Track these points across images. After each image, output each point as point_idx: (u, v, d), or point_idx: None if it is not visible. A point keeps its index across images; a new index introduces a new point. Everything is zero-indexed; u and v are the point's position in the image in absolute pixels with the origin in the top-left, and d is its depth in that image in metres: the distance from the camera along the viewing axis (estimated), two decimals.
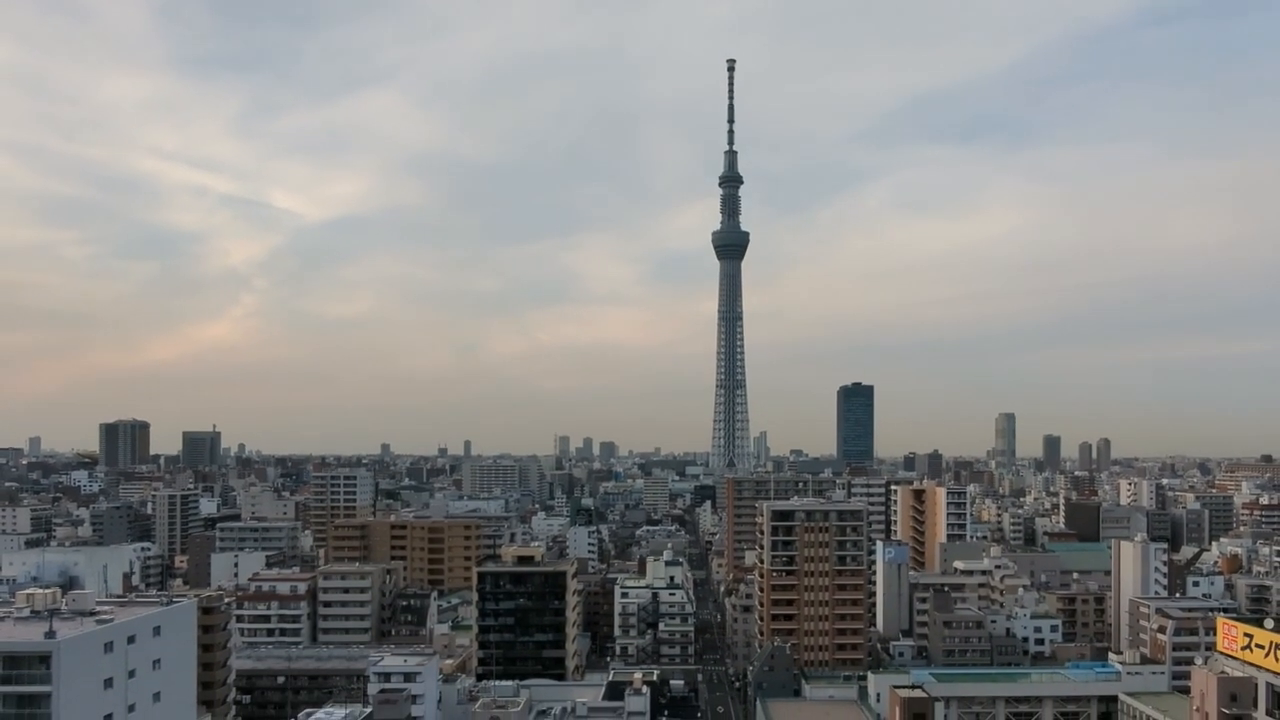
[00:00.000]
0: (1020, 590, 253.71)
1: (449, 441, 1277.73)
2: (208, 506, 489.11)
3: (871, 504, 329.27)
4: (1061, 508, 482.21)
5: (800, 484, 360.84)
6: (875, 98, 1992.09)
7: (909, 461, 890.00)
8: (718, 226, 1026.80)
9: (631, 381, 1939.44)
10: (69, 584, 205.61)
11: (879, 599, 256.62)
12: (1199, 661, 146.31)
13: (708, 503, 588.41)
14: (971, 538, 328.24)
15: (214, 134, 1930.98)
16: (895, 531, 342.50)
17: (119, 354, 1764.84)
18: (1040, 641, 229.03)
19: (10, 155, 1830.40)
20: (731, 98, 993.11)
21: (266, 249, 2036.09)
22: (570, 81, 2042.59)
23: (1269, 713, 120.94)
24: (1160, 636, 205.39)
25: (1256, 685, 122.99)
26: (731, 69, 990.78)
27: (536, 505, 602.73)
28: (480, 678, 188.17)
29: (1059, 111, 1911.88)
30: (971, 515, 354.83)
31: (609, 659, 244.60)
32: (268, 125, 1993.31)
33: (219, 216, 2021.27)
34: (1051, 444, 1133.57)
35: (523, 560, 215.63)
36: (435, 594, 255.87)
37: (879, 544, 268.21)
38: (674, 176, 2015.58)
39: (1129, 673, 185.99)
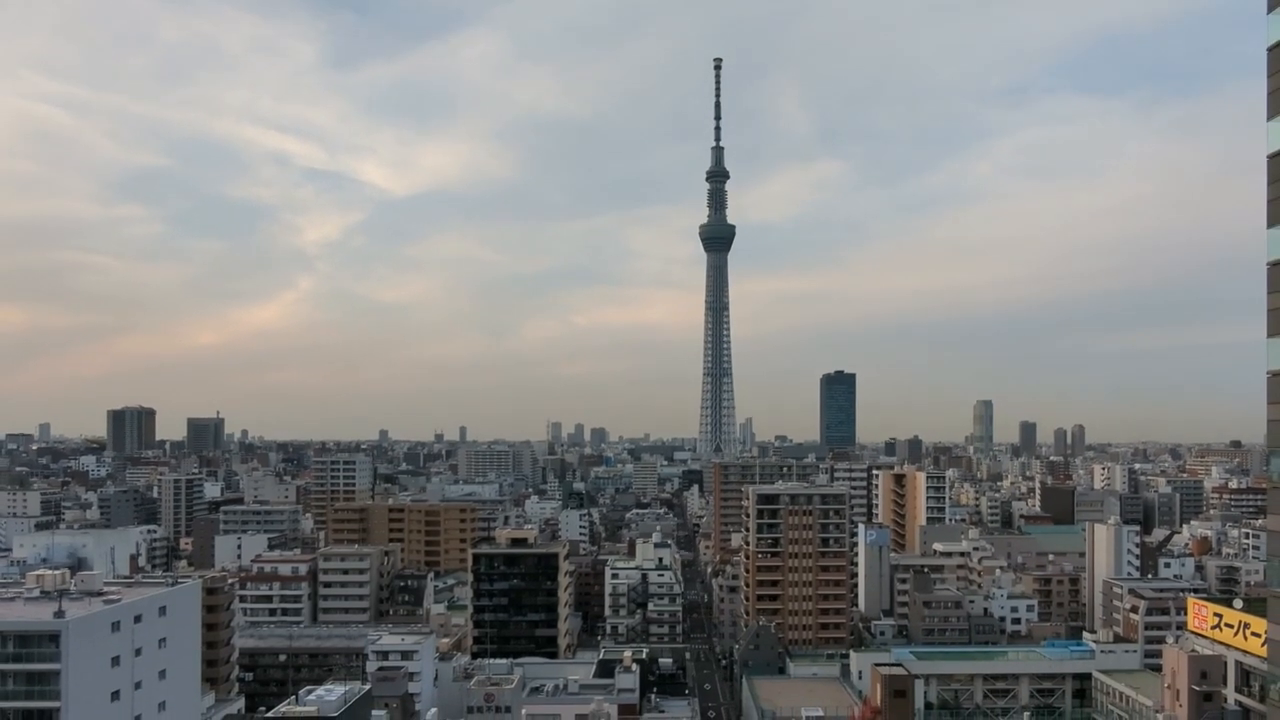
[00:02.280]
0: (997, 571, 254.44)
1: (446, 427, 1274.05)
2: (212, 490, 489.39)
3: (854, 488, 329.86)
4: (1037, 492, 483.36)
5: (785, 469, 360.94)
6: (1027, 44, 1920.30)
7: (890, 447, 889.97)
8: (704, 220, 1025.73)
9: (649, 367, 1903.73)
10: (77, 565, 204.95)
11: (861, 580, 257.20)
12: (1170, 640, 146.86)
13: (695, 487, 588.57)
14: (950, 521, 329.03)
15: (304, 88, 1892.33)
16: (877, 515, 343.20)
17: (157, 341, 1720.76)
18: (1017, 621, 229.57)
19: (92, 119, 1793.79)
20: (718, 95, 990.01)
21: (340, 228, 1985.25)
22: (690, 22, 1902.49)
23: (1238, 689, 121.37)
24: (1133, 616, 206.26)
25: (1225, 663, 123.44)
26: (718, 68, 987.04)
27: (530, 489, 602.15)
28: (475, 656, 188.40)
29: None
30: (950, 499, 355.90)
31: (600, 638, 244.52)
32: (358, 76, 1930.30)
33: (302, 190, 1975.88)
34: (1028, 430, 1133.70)
35: (516, 543, 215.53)
36: (432, 575, 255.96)
37: (861, 527, 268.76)
38: (779, 138, 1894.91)
39: (1103, 651, 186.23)
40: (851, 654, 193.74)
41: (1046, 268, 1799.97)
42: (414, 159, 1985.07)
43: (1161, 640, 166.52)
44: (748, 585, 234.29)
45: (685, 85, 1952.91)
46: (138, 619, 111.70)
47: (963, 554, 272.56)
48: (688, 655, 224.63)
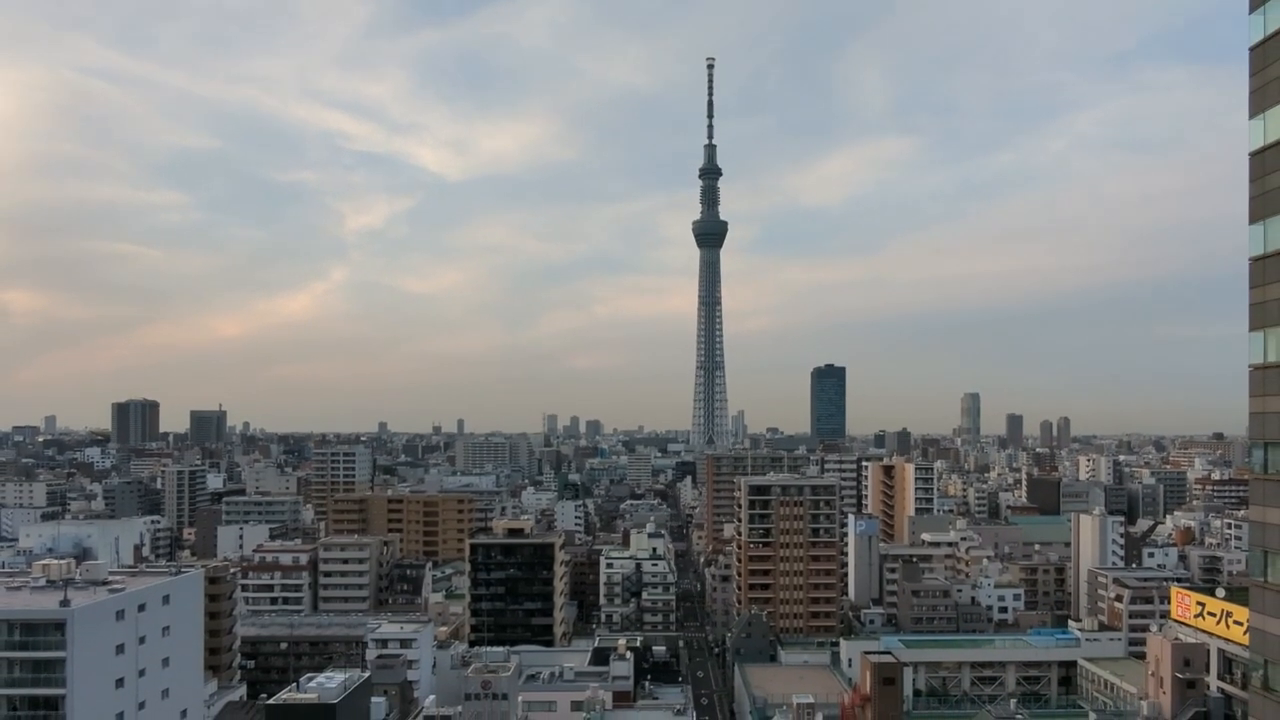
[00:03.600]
0: (984, 561, 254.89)
1: (443, 419, 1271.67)
2: (214, 482, 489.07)
3: (844, 479, 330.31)
4: (1024, 483, 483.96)
5: (776, 460, 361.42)
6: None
7: (879, 439, 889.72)
8: (699, 214, 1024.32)
9: (655, 360, 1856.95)
10: (83, 555, 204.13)
11: (850, 569, 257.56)
12: (1154, 628, 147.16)
13: (688, 478, 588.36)
14: (938, 511, 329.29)
15: (361, 56, 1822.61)
16: (866, 505, 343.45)
17: (177, 333, 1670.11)
18: (1004, 609, 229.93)
19: (139, 92, 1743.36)
20: (711, 94, 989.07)
21: (384, 216, 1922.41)
22: None
23: (1220, 677, 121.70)
24: (1117, 605, 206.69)
25: (1208, 650, 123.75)
26: (711, 67, 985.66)
27: (526, 480, 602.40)
28: (472, 644, 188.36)
29: None
30: (938, 490, 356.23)
31: (594, 626, 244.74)
32: (417, 42, 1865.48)
33: (354, 175, 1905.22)
34: (1014, 422, 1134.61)
35: (513, 533, 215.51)
36: (430, 564, 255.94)
37: (851, 517, 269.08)
38: (851, 112, 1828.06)
39: (1088, 639, 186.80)
40: (841, 642, 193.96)
41: (1035, 260, 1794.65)
42: (471, 139, 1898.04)
43: (1146, 629, 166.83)
44: (740, 575, 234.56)
45: (760, 55, 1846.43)
46: (141, 608, 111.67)
47: (950, 544, 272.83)
48: (681, 643, 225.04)
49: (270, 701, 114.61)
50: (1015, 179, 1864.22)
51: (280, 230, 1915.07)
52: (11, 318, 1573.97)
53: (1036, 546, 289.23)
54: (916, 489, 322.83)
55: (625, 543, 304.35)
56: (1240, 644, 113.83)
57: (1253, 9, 60.21)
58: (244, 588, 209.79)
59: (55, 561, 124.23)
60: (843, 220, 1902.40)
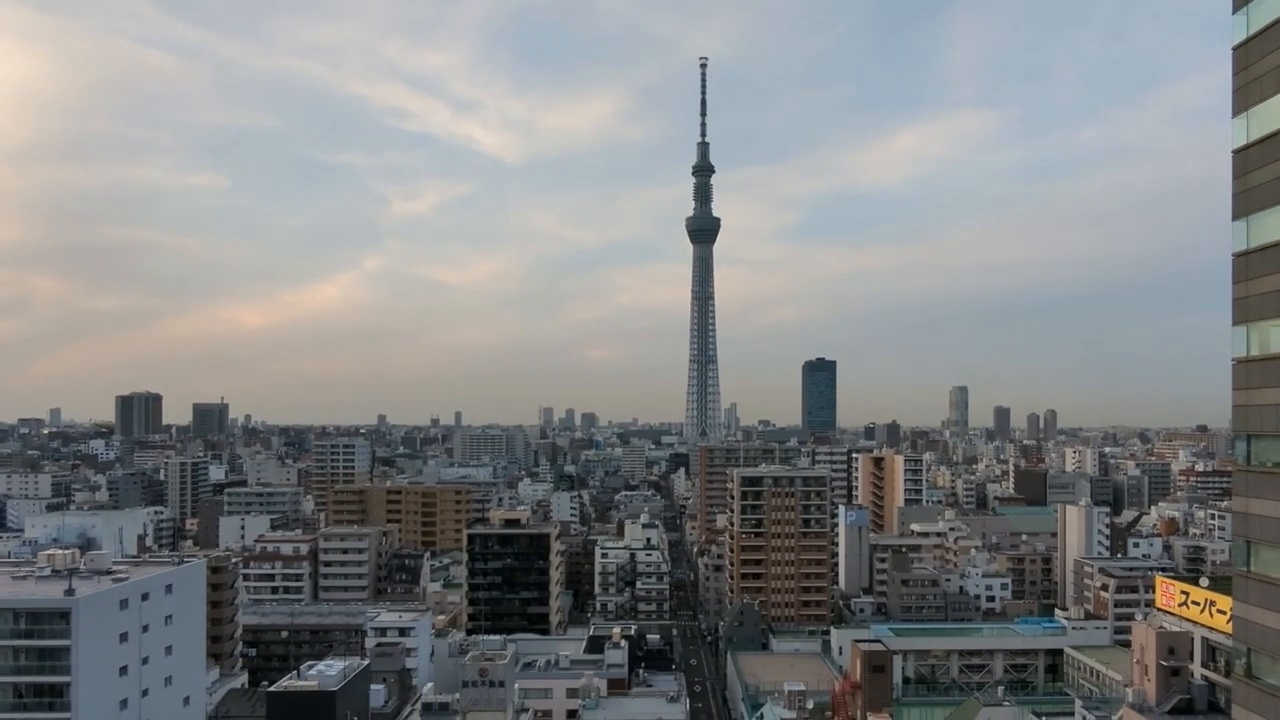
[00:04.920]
0: (972, 551, 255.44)
1: (442, 412, 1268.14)
2: (216, 473, 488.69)
3: (834, 471, 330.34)
4: (1011, 474, 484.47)
5: (768, 452, 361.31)
6: None
7: (869, 431, 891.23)
8: (693, 211, 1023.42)
9: (667, 352, 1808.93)
10: (87, 545, 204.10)
11: (841, 559, 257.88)
12: (1139, 617, 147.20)
13: (682, 470, 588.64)
14: (927, 502, 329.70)
15: (431, 24, 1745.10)
16: (856, 496, 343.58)
17: (200, 325, 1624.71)
18: (991, 598, 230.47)
19: (200, 68, 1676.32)
20: (704, 93, 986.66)
21: (431, 205, 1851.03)
22: None
23: (1204, 664, 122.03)
24: (1103, 594, 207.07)
25: (1192, 639, 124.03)
26: (704, 66, 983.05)
27: (522, 472, 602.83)
28: (470, 632, 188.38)
29: None
30: (927, 481, 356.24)
31: (590, 615, 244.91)
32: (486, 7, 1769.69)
33: (409, 158, 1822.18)
34: (1001, 415, 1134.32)
35: (509, 523, 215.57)
36: (428, 554, 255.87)
37: (841, 508, 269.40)
38: (936, 83, 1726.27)
39: (1074, 627, 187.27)
40: (832, 630, 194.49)
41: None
42: (533, 116, 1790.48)
43: (1131, 617, 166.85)
44: (732, 564, 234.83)
45: (849, 20, 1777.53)
46: (145, 597, 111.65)
47: (939, 534, 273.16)
48: (674, 631, 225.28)
49: (271, 689, 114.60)
50: (1107, 153, 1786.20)
51: (319, 216, 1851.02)
52: (34, 308, 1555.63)
53: (1023, 537, 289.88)
54: (906, 480, 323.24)
55: (620, 533, 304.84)
56: (1224, 632, 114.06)
57: (1235, 9, 60.40)
58: (245, 577, 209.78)
59: (60, 551, 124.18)
60: (889, 206, 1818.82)
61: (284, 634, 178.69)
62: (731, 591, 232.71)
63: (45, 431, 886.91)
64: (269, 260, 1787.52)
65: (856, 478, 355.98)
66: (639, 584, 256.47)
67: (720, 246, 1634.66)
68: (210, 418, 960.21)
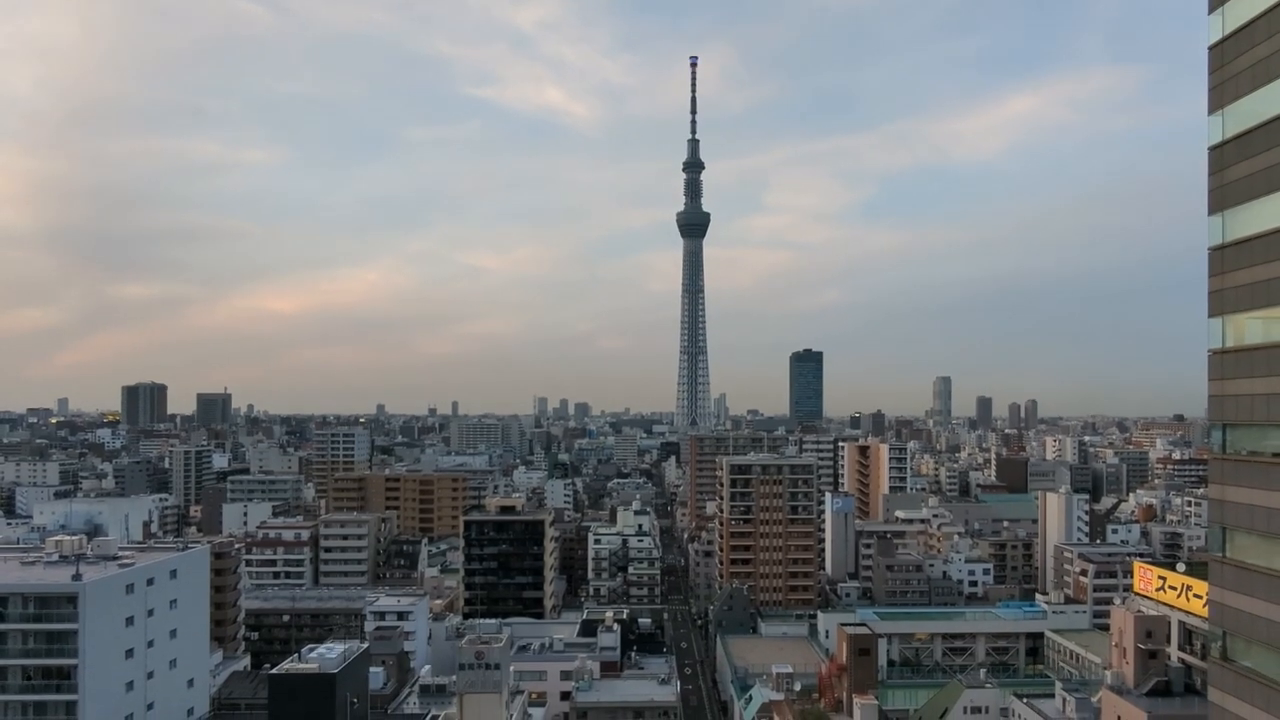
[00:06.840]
0: (955, 537, 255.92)
1: (439, 401, 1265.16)
2: (220, 461, 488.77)
3: (821, 459, 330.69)
4: (993, 462, 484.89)
5: (756, 441, 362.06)
6: None
7: (855, 421, 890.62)
8: (684, 206, 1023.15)
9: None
10: (94, 532, 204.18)
11: (828, 545, 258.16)
12: (1117, 601, 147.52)
13: (673, 458, 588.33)
14: (911, 490, 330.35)
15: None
16: (843, 484, 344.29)
17: (226, 314, 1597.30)
18: (974, 583, 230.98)
19: (291, 17, 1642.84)
20: (694, 91, 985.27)
21: (502, 181, 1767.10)
22: None
23: (1181, 648, 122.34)
24: (1082, 579, 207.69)
25: (1170, 623, 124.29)
26: (694, 65, 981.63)
27: (517, 460, 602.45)
28: (466, 616, 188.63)
29: None
30: (911, 469, 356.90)
31: (583, 599, 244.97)
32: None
33: (495, 131, 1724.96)
34: (984, 404, 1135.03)
35: (505, 510, 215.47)
36: (426, 540, 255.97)
37: (828, 495, 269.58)
38: (1071, 35, 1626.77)
39: (1054, 612, 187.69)
40: (819, 614, 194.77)
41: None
42: (632, 77, 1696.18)
43: (1109, 601, 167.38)
44: (721, 550, 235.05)
45: None
46: (150, 582, 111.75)
47: (923, 521, 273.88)
48: (665, 615, 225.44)
49: (273, 671, 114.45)
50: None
51: (373, 195, 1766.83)
52: (65, 299, 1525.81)
53: (1005, 523, 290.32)
54: (890, 468, 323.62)
55: (612, 520, 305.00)
56: (1200, 616, 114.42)
57: (1211, 9, 60.50)
58: (248, 563, 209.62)
59: (67, 538, 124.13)
60: (979, 181, 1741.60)
61: (285, 618, 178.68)
62: (721, 576, 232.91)
63: (53, 421, 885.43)
64: (314, 245, 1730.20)
65: (843, 466, 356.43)
66: (631, 569, 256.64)
67: (770, 227, 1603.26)
68: (214, 407, 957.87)
